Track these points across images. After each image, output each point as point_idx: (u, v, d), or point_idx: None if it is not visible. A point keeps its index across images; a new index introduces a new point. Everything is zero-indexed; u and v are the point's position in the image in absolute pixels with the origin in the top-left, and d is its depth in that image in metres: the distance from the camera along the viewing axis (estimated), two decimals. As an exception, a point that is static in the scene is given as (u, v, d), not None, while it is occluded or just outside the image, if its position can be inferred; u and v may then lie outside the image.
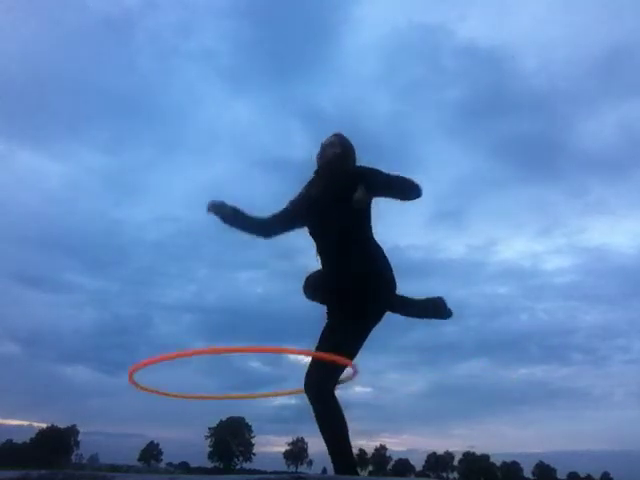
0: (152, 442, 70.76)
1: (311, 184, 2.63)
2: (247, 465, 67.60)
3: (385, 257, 2.48)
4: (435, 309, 2.57)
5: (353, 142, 2.68)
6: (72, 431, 66.22)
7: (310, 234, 2.58)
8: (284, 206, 2.64)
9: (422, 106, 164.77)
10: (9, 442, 64.56)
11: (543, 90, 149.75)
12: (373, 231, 2.54)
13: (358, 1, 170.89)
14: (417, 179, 2.50)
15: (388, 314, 2.46)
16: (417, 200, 2.53)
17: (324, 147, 2.65)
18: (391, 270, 2.48)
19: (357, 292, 2.36)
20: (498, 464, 74.18)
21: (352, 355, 2.34)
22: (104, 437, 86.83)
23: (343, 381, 2.40)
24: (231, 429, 63.03)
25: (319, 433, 2.26)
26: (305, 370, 2.36)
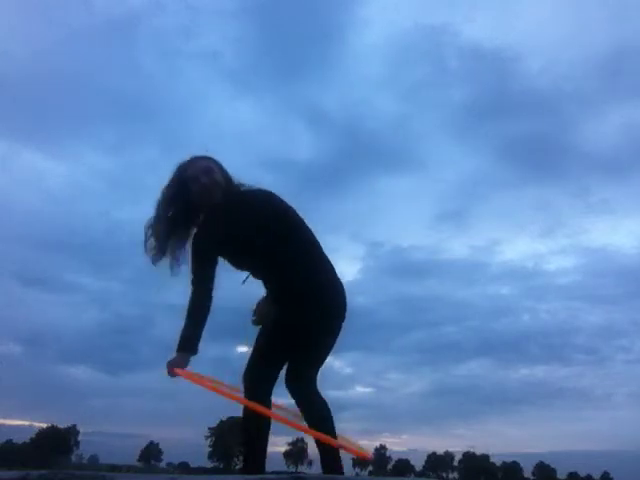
0: (152, 442, 70.72)
1: (207, 226, 2.22)
2: (247, 465, 67.24)
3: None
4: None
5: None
6: (72, 431, 66.14)
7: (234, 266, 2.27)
8: (199, 269, 2.23)
9: (426, 107, 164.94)
10: (9, 442, 64.50)
11: (547, 91, 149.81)
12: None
13: (363, 2, 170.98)
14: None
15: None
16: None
17: (198, 176, 2.17)
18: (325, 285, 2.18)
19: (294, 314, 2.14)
20: (498, 464, 74.10)
21: (320, 364, 2.22)
22: (104, 437, 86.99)
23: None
24: (231, 429, 62.88)
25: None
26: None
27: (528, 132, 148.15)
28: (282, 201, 2.18)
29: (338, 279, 2.24)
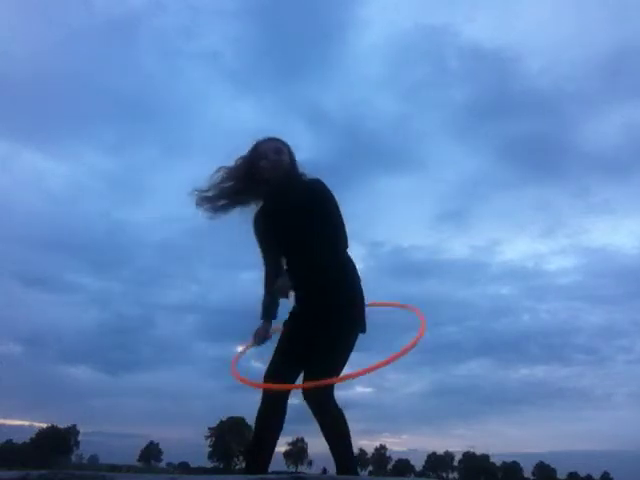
0: (152, 442, 70.74)
1: (269, 201, 2.41)
2: (247, 465, 67.20)
3: (353, 271, 2.33)
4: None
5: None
6: (72, 431, 66.12)
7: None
8: (262, 250, 2.45)
9: (426, 107, 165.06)
10: (9, 442, 64.47)
11: (547, 91, 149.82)
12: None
13: (363, 2, 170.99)
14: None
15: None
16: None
17: (267, 154, 2.35)
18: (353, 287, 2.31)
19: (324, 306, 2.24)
20: (498, 464, 74.09)
21: (339, 369, 2.22)
22: (104, 437, 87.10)
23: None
24: (231, 429, 62.89)
25: (319, 434, 2.22)
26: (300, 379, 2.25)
27: (528, 132, 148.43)
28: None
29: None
